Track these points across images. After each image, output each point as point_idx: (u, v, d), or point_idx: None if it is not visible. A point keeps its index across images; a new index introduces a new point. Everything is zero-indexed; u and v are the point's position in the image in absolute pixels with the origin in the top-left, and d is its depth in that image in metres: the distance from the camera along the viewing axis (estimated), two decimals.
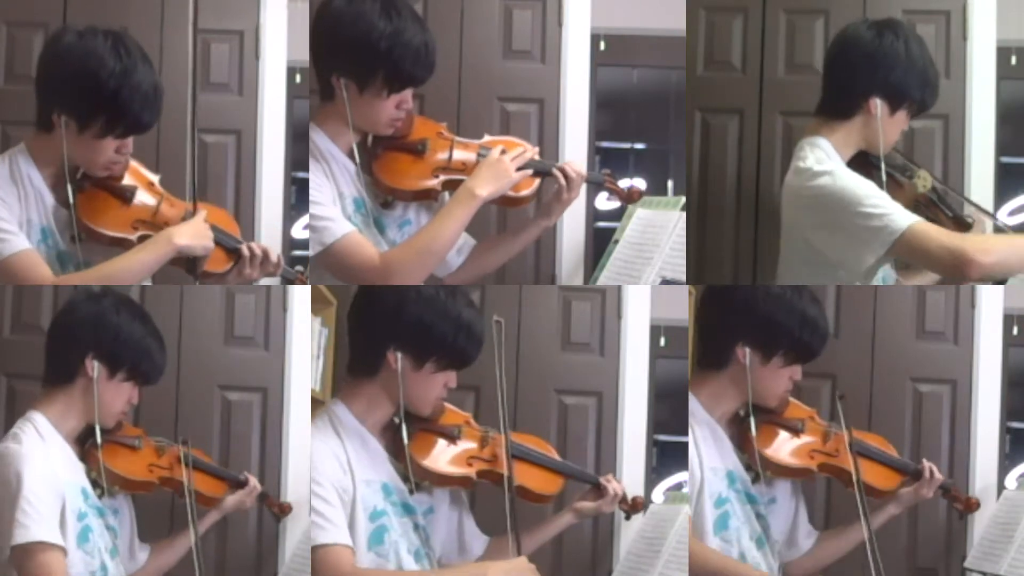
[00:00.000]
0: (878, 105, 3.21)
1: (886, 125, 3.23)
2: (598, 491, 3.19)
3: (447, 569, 3.04)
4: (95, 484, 3.05)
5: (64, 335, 3.08)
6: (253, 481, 3.42)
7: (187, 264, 3.12)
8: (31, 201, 3.02)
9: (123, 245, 3.09)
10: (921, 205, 3.32)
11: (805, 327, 3.14)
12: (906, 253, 3.17)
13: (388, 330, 2.95)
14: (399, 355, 2.93)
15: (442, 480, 3.01)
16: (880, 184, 3.21)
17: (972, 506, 3.44)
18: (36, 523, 2.85)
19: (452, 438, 3.03)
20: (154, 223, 3.10)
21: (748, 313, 3.13)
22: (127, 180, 3.11)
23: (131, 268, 3.06)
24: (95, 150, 3.00)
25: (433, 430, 3.02)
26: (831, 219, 3.16)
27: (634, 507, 3.28)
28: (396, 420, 2.99)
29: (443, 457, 3.01)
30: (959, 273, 3.08)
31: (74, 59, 2.96)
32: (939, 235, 3.13)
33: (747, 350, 3.13)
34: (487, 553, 3.12)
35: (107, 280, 3.07)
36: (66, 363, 3.04)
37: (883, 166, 3.23)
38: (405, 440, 2.96)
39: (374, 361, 2.97)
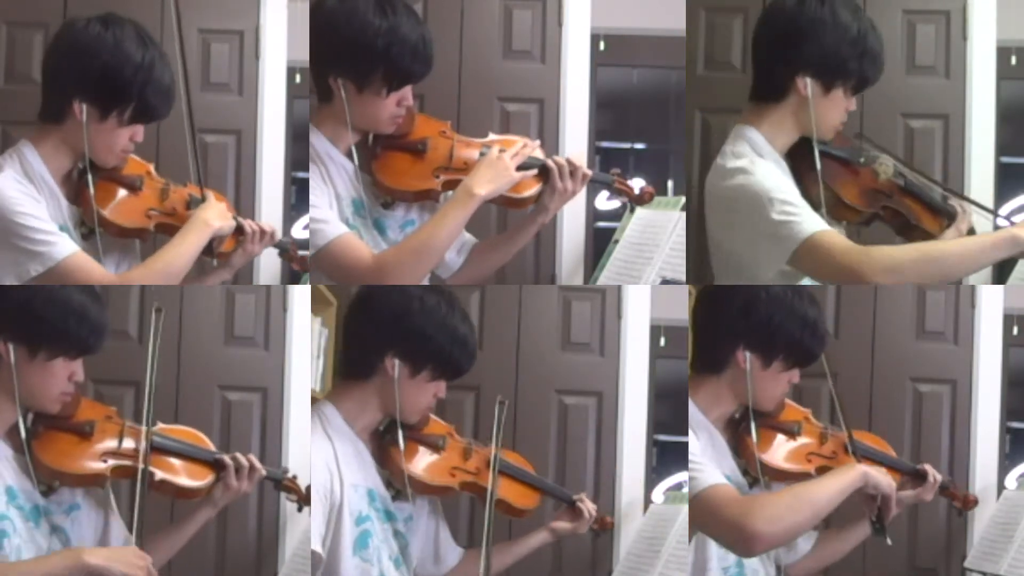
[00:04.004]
0: (808, 84, 2.96)
1: (821, 106, 2.98)
2: (574, 511, 3.18)
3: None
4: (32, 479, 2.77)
5: None
6: (243, 460, 2.93)
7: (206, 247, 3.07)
8: (47, 200, 2.99)
9: (140, 236, 3.05)
10: (883, 196, 3.07)
11: (806, 330, 3.06)
12: (808, 264, 2.91)
13: (389, 336, 2.91)
14: (397, 362, 2.90)
15: (426, 489, 2.97)
16: (815, 172, 2.97)
17: (970, 503, 3.41)
18: None
19: (437, 448, 3.00)
20: (163, 209, 3.06)
21: (747, 315, 3.05)
22: (129, 171, 3.08)
23: (183, 255, 2.99)
24: (115, 137, 2.97)
25: (419, 439, 2.98)
26: (738, 220, 2.98)
27: (602, 526, 3.25)
28: (380, 427, 2.94)
29: (428, 467, 2.97)
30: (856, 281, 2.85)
31: (105, 48, 2.92)
32: (842, 245, 2.88)
33: (747, 354, 3.05)
34: (460, 565, 3.11)
35: (165, 269, 2.95)
36: None
37: (816, 152, 2.97)
38: (401, 446, 2.94)
39: (370, 365, 2.93)
